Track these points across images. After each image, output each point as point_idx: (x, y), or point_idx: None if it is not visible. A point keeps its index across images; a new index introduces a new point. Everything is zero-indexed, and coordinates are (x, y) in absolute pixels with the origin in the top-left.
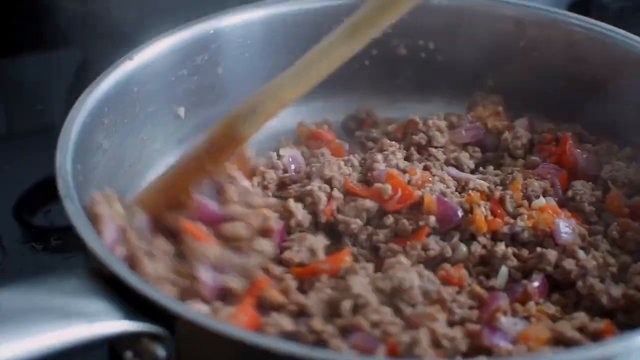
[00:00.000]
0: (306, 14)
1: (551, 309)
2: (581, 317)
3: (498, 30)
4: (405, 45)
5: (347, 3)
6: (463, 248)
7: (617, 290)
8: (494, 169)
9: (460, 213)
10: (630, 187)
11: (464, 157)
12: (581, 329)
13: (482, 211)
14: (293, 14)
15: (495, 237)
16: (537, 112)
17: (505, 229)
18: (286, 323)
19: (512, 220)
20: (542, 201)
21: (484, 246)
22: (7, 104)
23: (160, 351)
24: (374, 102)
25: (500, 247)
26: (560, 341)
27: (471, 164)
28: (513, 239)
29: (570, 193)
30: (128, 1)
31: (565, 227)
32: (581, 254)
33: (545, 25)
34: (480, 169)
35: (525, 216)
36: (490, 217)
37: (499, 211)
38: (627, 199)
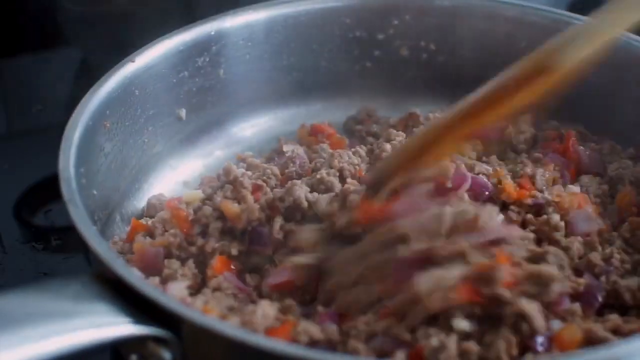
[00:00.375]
0: (307, 15)
1: (578, 308)
2: (614, 318)
3: (499, 31)
4: (406, 47)
5: (346, 4)
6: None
7: (634, 282)
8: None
9: (490, 184)
10: (637, 185)
11: (466, 147)
12: (615, 331)
13: (510, 182)
14: (294, 15)
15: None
16: (538, 112)
17: (530, 201)
18: (315, 331)
19: (539, 195)
20: (575, 189)
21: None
22: (7, 104)
23: (166, 354)
24: (375, 103)
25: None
26: (592, 341)
27: (473, 155)
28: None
29: (577, 185)
30: (128, 1)
31: (586, 217)
32: (598, 248)
33: (546, 25)
34: (484, 158)
35: (554, 193)
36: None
37: (527, 186)
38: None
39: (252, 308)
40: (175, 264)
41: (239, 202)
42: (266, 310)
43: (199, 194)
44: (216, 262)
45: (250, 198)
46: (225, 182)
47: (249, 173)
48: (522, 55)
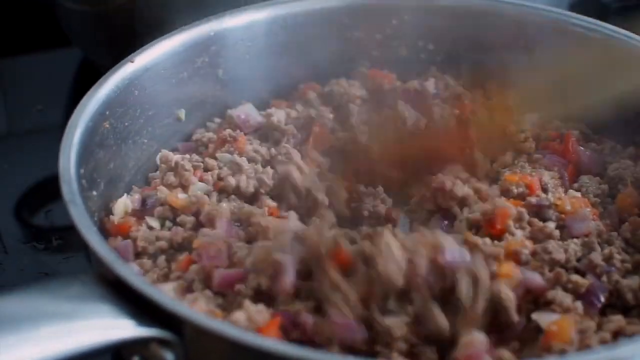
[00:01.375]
0: (306, 15)
1: (579, 308)
2: (617, 319)
3: (499, 31)
4: (405, 47)
5: (345, 4)
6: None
7: (636, 282)
8: None
9: None
10: (636, 186)
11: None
12: (618, 332)
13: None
14: (293, 15)
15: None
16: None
17: (534, 200)
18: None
19: (543, 195)
20: (577, 194)
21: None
22: (7, 104)
23: (169, 356)
24: None
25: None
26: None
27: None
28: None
29: (576, 186)
30: (128, 1)
31: (582, 218)
32: (598, 248)
33: (546, 25)
34: None
35: (556, 195)
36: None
37: (535, 186)
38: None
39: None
40: (147, 263)
41: (183, 187)
42: (250, 310)
43: (125, 201)
44: (183, 259)
45: (194, 179)
46: (166, 170)
47: (187, 156)
48: (521, 55)
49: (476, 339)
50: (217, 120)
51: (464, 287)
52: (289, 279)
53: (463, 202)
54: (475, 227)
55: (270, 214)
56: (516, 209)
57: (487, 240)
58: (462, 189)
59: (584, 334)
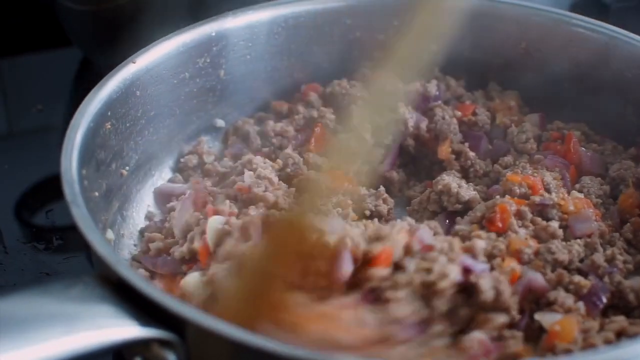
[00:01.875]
0: (307, 15)
1: (581, 308)
2: (620, 320)
3: (499, 31)
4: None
5: (347, 4)
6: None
7: (638, 283)
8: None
9: None
10: (638, 186)
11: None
12: (620, 333)
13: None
14: (294, 16)
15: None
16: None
17: (537, 199)
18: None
19: (546, 195)
20: (579, 195)
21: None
22: (7, 104)
23: (171, 357)
24: None
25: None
26: (589, 341)
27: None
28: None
29: (578, 186)
30: (128, 1)
31: (585, 219)
32: (600, 249)
33: (547, 26)
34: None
35: (559, 196)
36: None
37: (538, 186)
38: None
39: None
40: None
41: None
42: None
43: (196, 276)
44: None
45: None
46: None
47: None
48: (522, 55)
49: (471, 343)
50: (219, 120)
51: (486, 290)
52: (347, 265)
53: (468, 206)
54: (479, 225)
55: None
56: (517, 206)
57: (493, 235)
58: (468, 193)
59: (586, 333)
